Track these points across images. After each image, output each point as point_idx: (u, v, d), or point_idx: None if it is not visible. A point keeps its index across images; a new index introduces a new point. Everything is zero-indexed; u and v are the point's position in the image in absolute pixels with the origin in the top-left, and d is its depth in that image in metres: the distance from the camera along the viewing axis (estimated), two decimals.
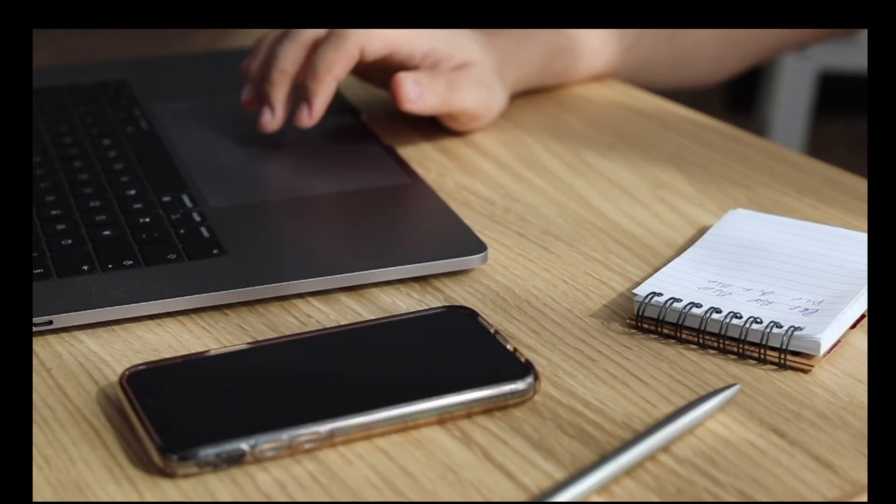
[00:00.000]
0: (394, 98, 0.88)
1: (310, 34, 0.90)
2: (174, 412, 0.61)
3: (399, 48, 0.90)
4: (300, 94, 0.89)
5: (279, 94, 0.90)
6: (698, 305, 0.69)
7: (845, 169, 0.89)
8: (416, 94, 0.88)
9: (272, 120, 0.90)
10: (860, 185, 0.86)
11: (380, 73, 0.92)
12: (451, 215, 0.81)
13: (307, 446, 0.60)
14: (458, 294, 0.74)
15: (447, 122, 0.94)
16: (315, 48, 0.90)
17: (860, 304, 0.70)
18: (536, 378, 0.64)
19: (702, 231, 0.80)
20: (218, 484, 0.59)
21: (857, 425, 0.62)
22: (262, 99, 0.91)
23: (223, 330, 0.71)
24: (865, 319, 0.70)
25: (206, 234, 0.78)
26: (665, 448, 0.61)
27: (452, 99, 0.90)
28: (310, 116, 0.89)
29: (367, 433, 0.61)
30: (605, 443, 0.61)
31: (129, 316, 0.71)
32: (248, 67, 0.94)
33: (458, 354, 0.66)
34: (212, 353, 0.66)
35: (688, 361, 0.68)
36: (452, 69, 0.91)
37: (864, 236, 0.76)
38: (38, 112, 0.98)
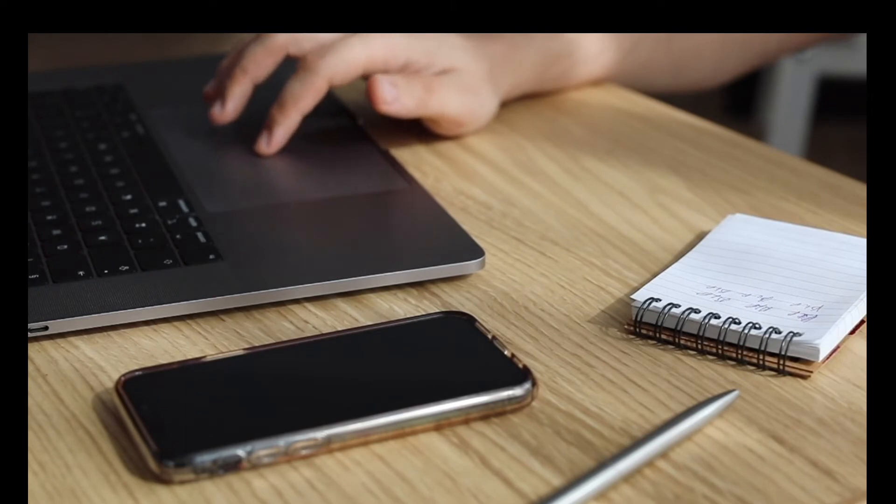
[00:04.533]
0: (370, 100, 0.89)
1: (280, 40, 0.92)
2: (170, 418, 0.61)
3: (372, 67, 0.90)
4: (265, 123, 0.91)
5: (234, 89, 0.92)
6: (697, 311, 0.69)
7: (844, 174, 0.89)
8: (392, 95, 0.88)
9: (220, 113, 0.92)
10: (859, 189, 0.86)
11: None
12: (449, 220, 0.81)
13: (304, 453, 0.60)
14: (456, 299, 0.74)
15: (431, 126, 0.94)
16: (282, 52, 0.92)
17: (859, 310, 0.70)
18: (534, 384, 0.64)
19: (700, 236, 0.80)
20: (214, 490, 0.59)
21: (857, 431, 0.62)
22: (219, 92, 0.93)
23: (219, 336, 0.71)
24: (864, 325, 0.70)
25: (202, 239, 0.78)
26: (663, 454, 0.60)
27: (430, 102, 0.90)
28: (268, 145, 0.91)
29: (364, 439, 0.61)
30: (604, 449, 0.61)
31: (125, 322, 0.71)
32: (221, 65, 0.96)
33: (455, 360, 0.66)
34: (208, 358, 0.66)
35: (686, 367, 0.67)
36: (434, 75, 0.91)
37: (864, 241, 0.76)
38: (33, 117, 0.98)
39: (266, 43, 0.91)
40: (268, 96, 0.91)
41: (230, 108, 0.92)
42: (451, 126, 0.93)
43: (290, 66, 0.91)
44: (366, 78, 0.90)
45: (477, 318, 0.69)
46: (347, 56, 0.89)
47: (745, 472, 0.59)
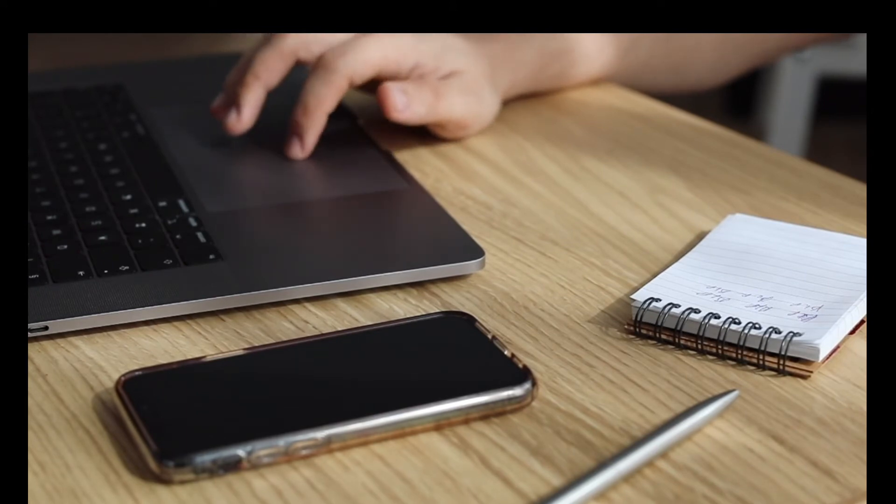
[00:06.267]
0: (382, 107, 0.89)
1: (289, 43, 0.91)
2: (170, 418, 0.61)
3: (385, 68, 0.90)
4: (291, 128, 0.90)
5: (248, 96, 0.90)
6: (697, 311, 0.69)
7: (844, 174, 0.89)
8: (403, 103, 0.89)
9: (237, 122, 0.91)
10: (859, 189, 0.86)
11: (369, 84, 0.92)
12: (449, 220, 0.81)
13: (304, 453, 0.60)
14: (456, 299, 0.74)
15: (436, 130, 0.94)
16: (293, 57, 0.91)
17: (859, 310, 0.70)
18: (534, 384, 0.64)
19: (700, 236, 0.80)
20: (214, 490, 0.59)
21: (857, 431, 0.62)
22: (232, 100, 0.91)
23: (219, 336, 0.71)
24: (864, 325, 0.70)
25: (202, 239, 0.78)
26: (663, 454, 0.60)
27: (439, 107, 0.90)
28: (302, 150, 0.90)
29: (364, 439, 0.61)
30: (604, 449, 0.61)
31: (125, 321, 0.71)
32: (228, 76, 0.94)
33: (455, 360, 0.66)
34: (208, 358, 0.66)
35: (686, 367, 0.67)
36: (440, 79, 0.91)
37: (864, 241, 0.76)
38: (33, 117, 0.98)
39: (276, 47, 0.90)
40: (269, 99, 0.91)
41: (246, 115, 0.90)
42: (456, 129, 0.93)
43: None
44: (374, 86, 0.91)
45: (477, 318, 0.69)
46: (364, 55, 0.89)
47: (745, 472, 0.59)
